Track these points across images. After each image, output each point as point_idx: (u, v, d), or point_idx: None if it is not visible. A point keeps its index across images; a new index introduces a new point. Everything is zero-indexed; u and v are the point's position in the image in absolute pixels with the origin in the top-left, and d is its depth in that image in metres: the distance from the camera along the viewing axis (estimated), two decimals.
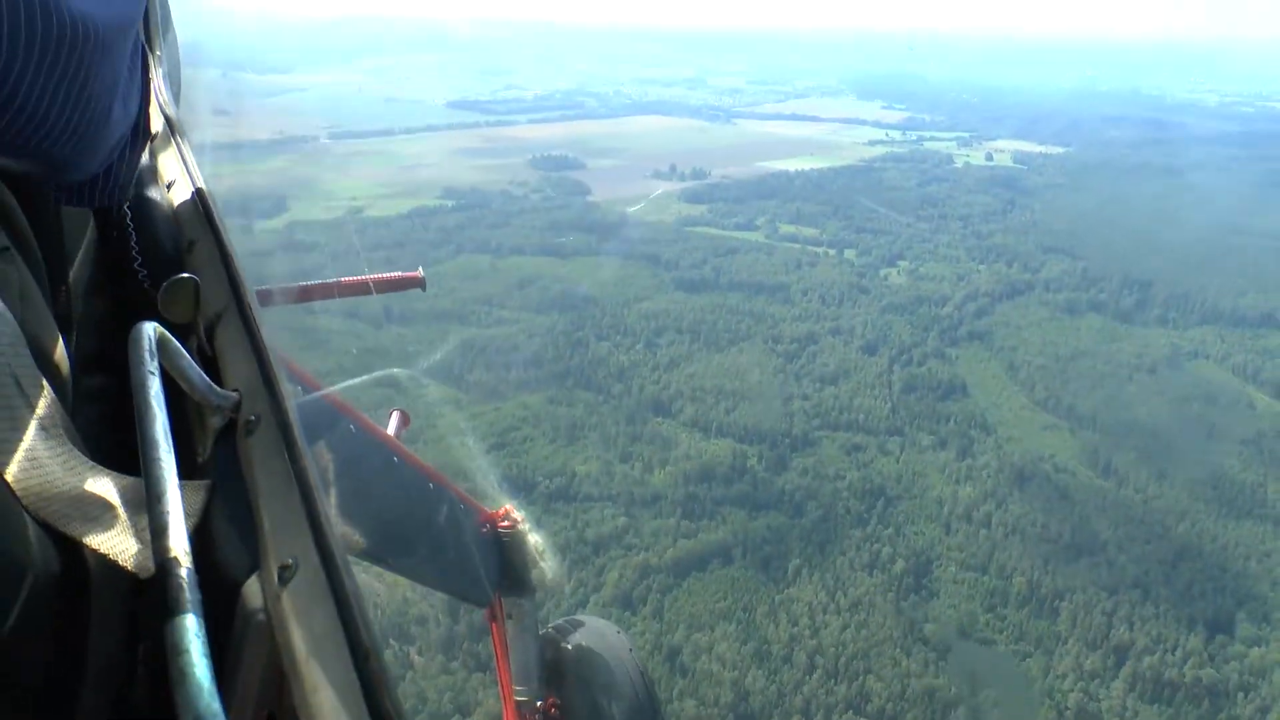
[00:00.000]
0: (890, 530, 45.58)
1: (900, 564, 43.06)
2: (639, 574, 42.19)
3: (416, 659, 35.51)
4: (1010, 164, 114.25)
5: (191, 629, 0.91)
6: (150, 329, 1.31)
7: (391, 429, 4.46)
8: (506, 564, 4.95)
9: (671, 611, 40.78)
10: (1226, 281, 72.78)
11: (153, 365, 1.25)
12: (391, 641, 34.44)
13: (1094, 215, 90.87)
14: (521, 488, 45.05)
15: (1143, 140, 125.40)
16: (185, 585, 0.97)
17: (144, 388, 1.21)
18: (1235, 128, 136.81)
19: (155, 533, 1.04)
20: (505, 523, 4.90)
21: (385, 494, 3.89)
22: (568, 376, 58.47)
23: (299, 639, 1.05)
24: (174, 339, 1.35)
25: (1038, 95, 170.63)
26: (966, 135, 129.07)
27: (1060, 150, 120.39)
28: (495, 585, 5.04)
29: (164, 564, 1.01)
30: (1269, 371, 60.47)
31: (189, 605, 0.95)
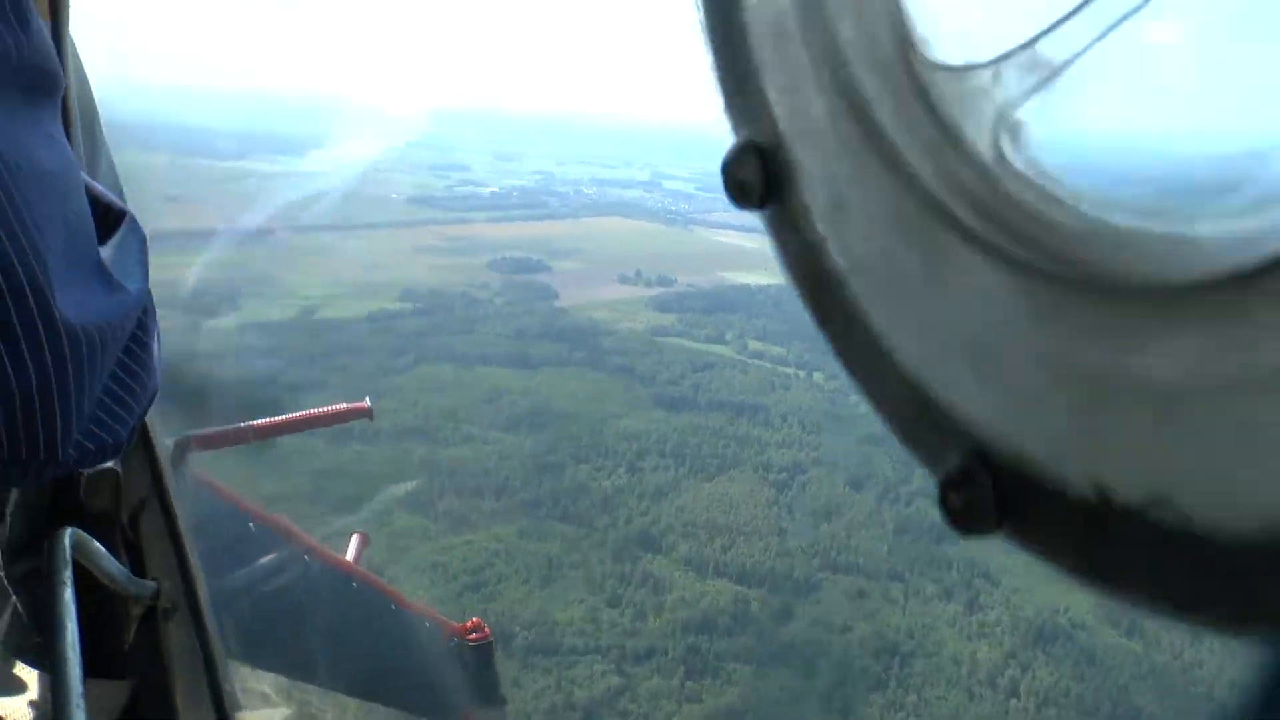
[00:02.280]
0: (913, 696, 41.77)
1: None
2: None
3: None
4: None
5: None
6: (67, 537, 1.36)
7: (351, 553, 5.01)
8: (476, 675, 5.17)
9: None
10: None
11: (65, 575, 1.31)
12: None
13: None
14: (499, 638, 40.52)
15: None
16: None
17: (55, 600, 1.26)
18: None
19: None
20: (474, 635, 5.36)
21: (346, 622, 4.10)
22: (541, 505, 54.02)
23: None
24: (92, 540, 1.41)
25: None
26: None
27: None
28: (465, 699, 5.10)
29: None
30: None
31: None
